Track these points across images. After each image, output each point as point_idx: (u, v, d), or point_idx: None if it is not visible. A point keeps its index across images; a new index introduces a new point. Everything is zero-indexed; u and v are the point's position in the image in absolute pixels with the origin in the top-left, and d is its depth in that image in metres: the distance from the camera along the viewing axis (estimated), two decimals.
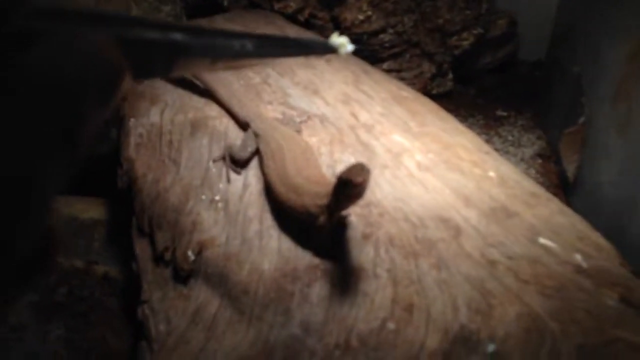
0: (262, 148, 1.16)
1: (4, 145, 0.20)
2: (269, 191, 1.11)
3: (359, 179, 0.87)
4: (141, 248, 1.21)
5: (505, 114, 2.10)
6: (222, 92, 1.34)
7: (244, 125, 1.26)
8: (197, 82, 1.40)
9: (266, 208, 1.12)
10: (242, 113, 1.27)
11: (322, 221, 0.98)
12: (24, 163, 0.20)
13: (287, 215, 1.07)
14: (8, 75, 0.21)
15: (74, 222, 1.49)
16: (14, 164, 0.20)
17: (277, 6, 1.85)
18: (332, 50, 0.66)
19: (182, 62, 0.35)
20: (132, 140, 1.31)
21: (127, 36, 0.28)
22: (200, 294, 1.07)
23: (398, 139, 1.28)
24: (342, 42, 0.66)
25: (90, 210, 1.52)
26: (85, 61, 0.24)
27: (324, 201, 0.96)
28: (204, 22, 1.67)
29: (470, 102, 2.17)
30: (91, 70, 0.24)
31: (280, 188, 1.05)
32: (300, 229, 1.05)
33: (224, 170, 1.19)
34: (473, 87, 2.25)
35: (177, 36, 0.33)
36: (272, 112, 1.32)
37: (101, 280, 1.46)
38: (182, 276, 1.10)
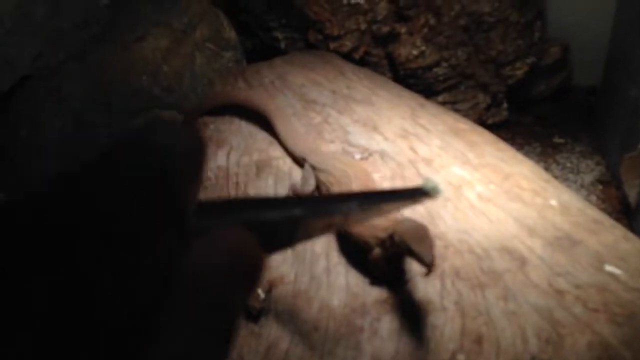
0: (323, 178, 1.19)
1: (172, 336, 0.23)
2: None
3: (428, 258, 0.89)
4: None
5: (562, 140, 2.08)
6: (279, 130, 1.38)
7: (300, 162, 1.30)
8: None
9: (333, 245, 1.14)
10: (297, 149, 1.31)
11: (377, 253, 1.00)
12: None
13: (348, 241, 1.10)
14: (175, 275, 0.24)
15: None
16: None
17: (332, 46, 1.90)
18: (427, 195, 0.72)
19: (301, 233, 0.39)
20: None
21: (259, 221, 0.32)
22: (272, 331, 1.10)
23: (458, 171, 1.29)
24: (433, 186, 0.73)
25: None
26: (233, 258, 0.27)
27: (381, 234, 0.98)
28: (264, 66, 1.73)
29: (526, 130, 2.16)
30: (240, 263, 0.27)
31: None
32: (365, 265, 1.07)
33: None
34: (528, 115, 2.24)
35: (297, 211, 0.37)
36: (332, 148, 1.36)
37: None
38: (254, 314, 1.13)
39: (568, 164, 1.93)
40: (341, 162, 1.20)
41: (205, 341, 0.24)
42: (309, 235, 0.48)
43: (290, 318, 1.07)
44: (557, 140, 2.09)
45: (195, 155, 0.27)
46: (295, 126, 1.42)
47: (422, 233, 0.93)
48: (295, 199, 0.41)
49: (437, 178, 1.27)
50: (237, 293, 0.26)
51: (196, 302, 0.24)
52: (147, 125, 0.27)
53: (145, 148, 0.25)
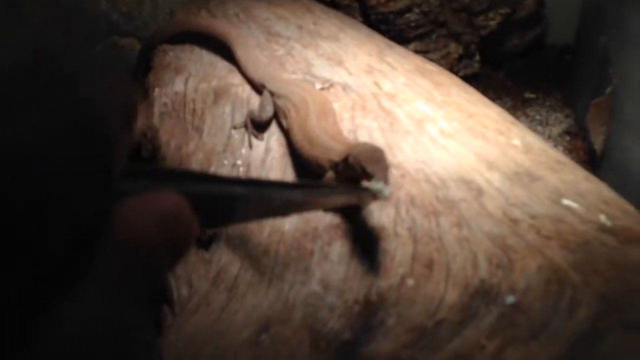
0: (282, 103, 1.16)
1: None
2: (289, 141, 1.12)
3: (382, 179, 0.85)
4: None
5: (533, 95, 2.07)
6: (239, 57, 1.35)
7: (259, 88, 1.27)
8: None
9: (288, 171, 1.12)
10: (256, 76, 1.28)
11: (330, 176, 0.98)
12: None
13: (303, 165, 1.08)
14: (104, 232, 0.23)
15: None
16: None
17: None
18: (374, 195, 0.77)
19: (240, 212, 0.38)
20: (157, 109, 1.32)
21: (196, 193, 0.31)
22: (222, 257, 1.08)
23: (421, 106, 1.27)
24: (379, 187, 0.78)
25: None
26: (164, 221, 0.25)
27: (336, 157, 0.96)
28: (229, 0, 1.68)
29: (498, 84, 2.14)
30: (170, 229, 0.25)
31: (297, 136, 1.06)
32: None
33: (246, 136, 1.20)
34: (501, 70, 2.22)
35: (237, 189, 0.36)
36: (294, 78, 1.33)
37: None
38: (204, 241, 1.11)
39: (537, 117, 1.91)
40: (301, 89, 1.17)
41: (125, 300, 0.23)
42: (247, 217, 0.47)
43: (241, 243, 1.05)
44: (528, 95, 2.07)
45: (128, 111, 0.27)
46: (256, 54, 1.38)
47: (377, 155, 0.90)
48: (238, 179, 0.41)
49: (399, 112, 1.24)
50: (164, 255, 0.25)
51: (120, 260, 0.23)
52: (85, 76, 0.26)
53: (78, 100, 0.24)
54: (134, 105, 0.28)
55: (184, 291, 1.10)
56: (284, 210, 0.50)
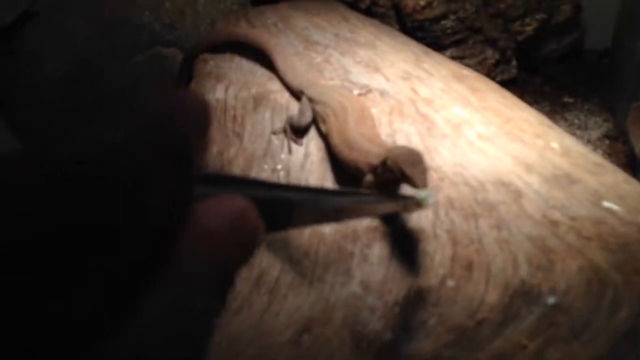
0: (321, 109, 1.18)
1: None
2: (328, 146, 1.14)
3: (421, 182, 0.86)
4: None
5: (571, 100, 2.06)
6: (278, 64, 1.38)
7: (298, 95, 1.29)
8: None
9: (328, 175, 1.14)
10: (295, 82, 1.30)
11: (369, 180, 1.00)
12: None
13: (341, 169, 1.09)
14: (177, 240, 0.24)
15: None
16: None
17: None
18: (418, 203, 0.77)
19: (297, 217, 0.41)
20: None
21: (259, 197, 0.33)
22: (263, 260, 1.10)
23: (458, 111, 1.28)
24: (425, 196, 0.77)
25: None
26: (234, 223, 0.28)
27: (374, 160, 0.98)
28: (268, 9, 1.71)
29: (536, 89, 2.13)
30: (240, 230, 0.28)
31: (335, 140, 1.08)
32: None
33: (285, 141, 1.22)
34: (538, 75, 2.21)
35: (294, 195, 0.39)
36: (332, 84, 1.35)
37: None
38: None
39: (576, 121, 1.90)
40: (339, 95, 1.19)
41: (199, 298, 0.25)
42: (303, 221, 0.49)
43: (282, 246, 1.07)
44: (566, 99, 2.06)
45: (201, 121, 0.28)
46: (295, 61, 1.41)
47: (416, 157, 0.91)
48: (293, 186, 0.43)
49: (437, 117, 1.26)
50: (235, 256, 0.26)
51: (195, 262, 0.24)
52: (155, 98, 0.27)
53: (159, 124, 0.25)
54: (206, 114, 0.29)
55: None
56: (336, 216, 0.52)
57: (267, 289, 1.05)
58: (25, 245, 0.19)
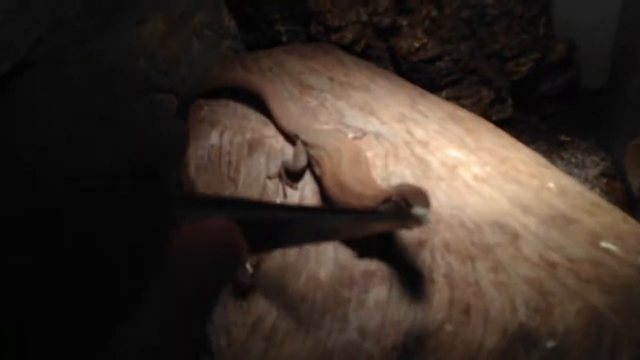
0: (315, 153, 1.19)
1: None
2: (323, 190, 1.14)
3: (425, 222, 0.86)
4: None
5: (568, 138, 2.07)
6: (273, 109, 1.39)
7: (292, 139, 1.30)
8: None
9: None
10: (290, 127, 1.31)
11: None
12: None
13: None
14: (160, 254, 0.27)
15: None
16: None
17: (333, 37, 1.90)
18: (417, 220, 0.77)
19: (288, 236, 0.41)
20: (193, 162, 1.36)
21: (245, 218, 0.34)
22: (259, 305, 1.09)
23: (454, 153, 1.29)
24: (423, 212, 0.79)
25: None
26: (214, 243, 0.29)
27: (370, 203, 0.98)
28: (263, 54, 1.73)
29: (532, 128, 2.14)
30: (219, 251, 0.29)
31: (329, 183, 1.08)
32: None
33: (280, 186, 1.22)
34: (535, 114, 2.22)
35: (285, 214, 0.39)
36: (326, 128, 1.36)
37: None
38: (242, 291, 1.12)
39: (573, 160, 1.91)
40: (333, 139, 1.20)
41: (182, 317, 0.26)
42: (295, 240, 0.49)
43: (278, 291, 1.06)
44: (563, 138, 2.07)
45: (179, 147, 0.30)
46: (289, 106, 1.42)
47: (421, 192, 0.91)
48: (286, 205, 0.44)
49: (432, 159, 1.26)
50: (214, 274, 0.28)
51: (175, 279, 0.26)
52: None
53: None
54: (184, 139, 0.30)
55: (223, 340, 1.11)
56: (332, 234, 0.52)
57: (263, 335, 1.04)
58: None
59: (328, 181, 1.10)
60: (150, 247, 0.25)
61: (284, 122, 1.35)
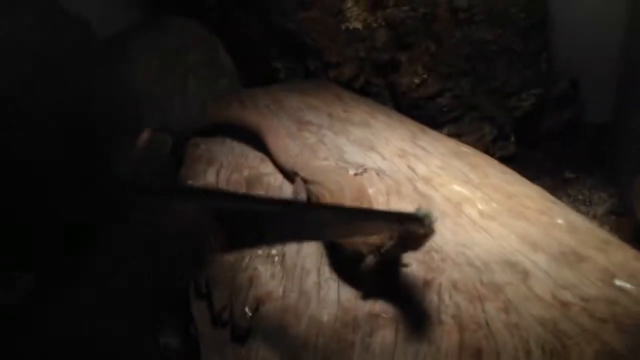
0: (315, 189, 1.15)
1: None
2: None
3: (429, 223, 0.83)
4: (199, 310, 1.20)
5: (573, 175, 2.04)
6: (271, 146, 1.37)
7: (291, 176, 1.27)
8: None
9: (324, 260, 1.09)
10: (289, 164, 1.29)
11: (369, 262, 0.96)
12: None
13: (339, 254, 1.05)
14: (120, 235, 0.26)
15: None
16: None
17: (331, 74, 1.89)
18: (420, 220, 0.69)
19: (271, 232, 0.39)
20: None
21: (225, 211, 0.31)
22: (259, 352, 1.04)
23: (458, 189, 1.26)
24: (426, 212, 0.69)
25: None
26: (181, 229, 0.27)
27: (373, 241, 0.94)
28: (260, 91, 1.72)
29: (536, 165, 2.12)
30: (185, 241, 0.28)
31: None
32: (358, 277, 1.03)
33: None
34: (538, 150, 2.20)
35: (269, 208, 0.36)
36: (326, 164, 1.33)
37: (162, 351, 1.44)
38: (241, 335, 1.08)
39: (580, 196, 1.88)
40: (334, 174, 1.17)
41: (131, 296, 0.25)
42: (277, 237, 0.46)
43: (278, 336, 1.02)
44: (568, 175, 2.05)
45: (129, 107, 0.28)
46: (287, 142, 1.39)
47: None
48: (273, 199, 0.40)
49: (436, 196, 1.23)
50: (178, 263, 0.27)
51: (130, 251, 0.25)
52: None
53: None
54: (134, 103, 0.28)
55: None
56: (319, 233, 0.48)
57: None
58: None
59: None
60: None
61: (282, 159, 1.32)
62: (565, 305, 0.93)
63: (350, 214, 0.51)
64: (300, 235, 0.49)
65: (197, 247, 0.27)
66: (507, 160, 2.01)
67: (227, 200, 0.31)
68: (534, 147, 2.20)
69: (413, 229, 0.77)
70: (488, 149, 2.00)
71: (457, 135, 1.98)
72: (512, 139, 2.09)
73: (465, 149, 1.49)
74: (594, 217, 1.75)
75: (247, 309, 1.07)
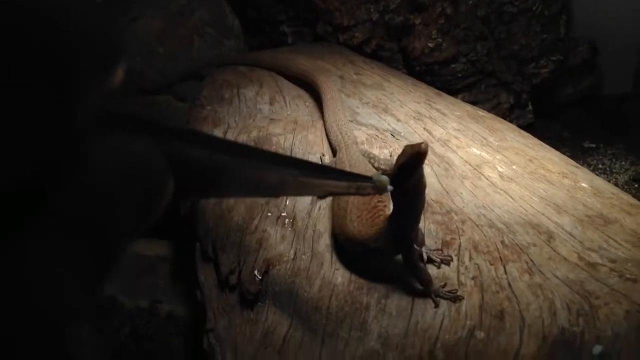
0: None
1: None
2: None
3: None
4: (206, 274, 1.19)
5: (593, 145, 2.02)
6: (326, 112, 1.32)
7: (333, 147, 1.22)
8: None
9: None
10: (336, 138, 1.23)
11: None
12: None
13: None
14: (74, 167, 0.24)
15: (138, 260, 1.48)
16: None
17: (342, 38, 1.86)
18: (374, 187, 0.70)
19: (224, 183, 0.36)
20: None
21: (178, 154, 0.30)
22: (269, 316, 1.03)
23: (476, 151, 1.24)
24: (383, 180, 0.69)
25: (154, 247, 1.51)
26: (132, 171, 0.25)
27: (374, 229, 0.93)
28: (268, 52, 1.69)
29: (554, 135, 2.09)
30: (136, 181, 0.26)
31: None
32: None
33: None
34: (556, 121, 2.18)
35: (226, 157, 0.34)
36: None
37: (166, 319, 1.43)
38: (249, 299, 1.06)
39: (600, 165, 1.86)
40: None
41: (83, 245, 0.24)
42: (232, 190, 0.44)
43: (289, 300, 1.00)
44: (587, 145, 2.03)
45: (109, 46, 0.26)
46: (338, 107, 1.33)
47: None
48: (232, 144, 0.37)
49: (454, 157, 1.21)
50: (128, 207, 0.26)
51: (79, 202, 0.24)
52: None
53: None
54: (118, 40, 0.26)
55: (229, 356, 1.05)
56: (276, 189, 0.47)
57: (274, 348, 0.98)
58: None
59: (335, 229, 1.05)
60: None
61: (333, 130, 1.26)
62: (592, 266, 0.91)
63: (311, 171, 0.49)
64: (254, 191, 0.47)
65: (150, 192, 0.25)
66: (525, 130, 1.99)
67: (188, 142, 0.29)
68: (552, 117, 2.17)
69: (364, 189, 0.78)
70: (504, 118, 1.97)
71: (472, 103, 1.95)
72: (530, 107, 2.06)
73: (482, 113, 1.47)
74: (616, 186, 1.73)
75: (256, 272, 1.05)
